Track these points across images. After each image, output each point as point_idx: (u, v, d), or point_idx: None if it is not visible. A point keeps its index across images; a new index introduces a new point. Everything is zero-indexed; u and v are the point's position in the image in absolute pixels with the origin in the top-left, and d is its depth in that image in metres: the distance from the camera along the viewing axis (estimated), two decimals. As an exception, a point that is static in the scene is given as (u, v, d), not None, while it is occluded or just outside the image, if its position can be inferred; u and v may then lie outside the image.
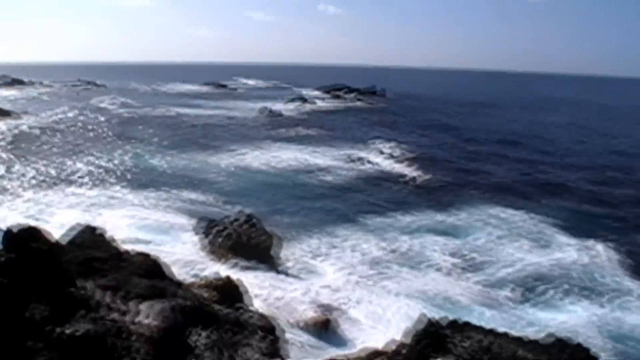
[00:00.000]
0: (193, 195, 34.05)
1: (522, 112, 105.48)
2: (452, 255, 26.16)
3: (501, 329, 15.33)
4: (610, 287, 23.33)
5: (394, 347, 14.97)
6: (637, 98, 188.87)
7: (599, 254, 27.18)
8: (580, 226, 32.02)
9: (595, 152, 61.08)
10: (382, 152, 51.99)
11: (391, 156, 50.55)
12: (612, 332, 19.26)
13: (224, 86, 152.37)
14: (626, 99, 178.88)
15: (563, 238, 29.47)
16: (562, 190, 42.11)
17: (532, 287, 23.03)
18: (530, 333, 15.85)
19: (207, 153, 48.59)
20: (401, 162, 48.42)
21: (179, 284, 14.31)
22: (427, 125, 75.07)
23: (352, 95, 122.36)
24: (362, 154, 50.37)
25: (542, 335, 14.83)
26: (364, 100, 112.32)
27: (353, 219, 30.99)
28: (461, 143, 61.40)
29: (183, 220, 28.00)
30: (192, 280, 16.00)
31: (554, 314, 20.54)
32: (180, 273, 17.74)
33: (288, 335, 15.47)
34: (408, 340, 14.68)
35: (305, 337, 17.34)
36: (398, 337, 15.24)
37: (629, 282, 23.90)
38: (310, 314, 18.32)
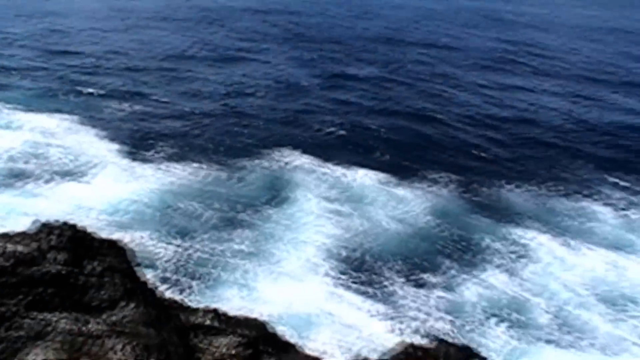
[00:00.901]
0: None
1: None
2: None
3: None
4: (93, 164, 24.29)
5: None
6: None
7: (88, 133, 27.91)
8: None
9: (126, 39, 58.93)
10: None
11: None
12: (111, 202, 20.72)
13: None
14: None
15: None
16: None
17: (10, 176, 22.37)
18: (18, 225, 15.68)
19: None
20: None
21: None
22: None
23: None
24: None
25: (28, 223, 14.80)
26: None
27: None
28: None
29: None
30: None
31: (38, 201, 20.63)
32: None
33: None
34: None
35: None
36: None
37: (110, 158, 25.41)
38: None
